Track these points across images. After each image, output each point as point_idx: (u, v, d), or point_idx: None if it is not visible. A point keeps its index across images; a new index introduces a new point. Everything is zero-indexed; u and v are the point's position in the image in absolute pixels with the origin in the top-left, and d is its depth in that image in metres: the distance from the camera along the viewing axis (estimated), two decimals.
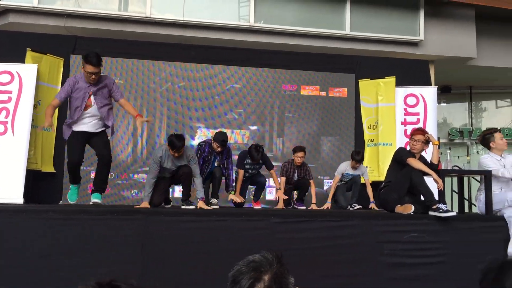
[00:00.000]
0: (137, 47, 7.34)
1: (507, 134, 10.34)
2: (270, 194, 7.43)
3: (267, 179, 6.72)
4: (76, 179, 5.02)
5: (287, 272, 1.42)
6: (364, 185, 6.55)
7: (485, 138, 5.37)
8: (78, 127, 4.85)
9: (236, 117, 7.64)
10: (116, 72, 7.26)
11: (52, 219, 4.10)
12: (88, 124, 4.86)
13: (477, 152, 11.07)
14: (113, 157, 6.83)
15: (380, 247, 4.51)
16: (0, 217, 4.11)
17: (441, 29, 8.45)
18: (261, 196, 6.64)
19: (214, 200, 5.92)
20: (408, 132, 6.99)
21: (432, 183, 4.94)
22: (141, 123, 4.93)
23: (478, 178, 6.02)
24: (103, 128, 4.98)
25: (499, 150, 5.29)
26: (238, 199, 5.94)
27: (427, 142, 5.23)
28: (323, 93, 7.91)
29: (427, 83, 7.94)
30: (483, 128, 10.13)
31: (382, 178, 5.89)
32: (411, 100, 7.28)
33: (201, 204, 5.14)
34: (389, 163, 5.46)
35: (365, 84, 7.60)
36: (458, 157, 10.83)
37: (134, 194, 7.13)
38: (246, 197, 6.54)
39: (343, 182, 6.65)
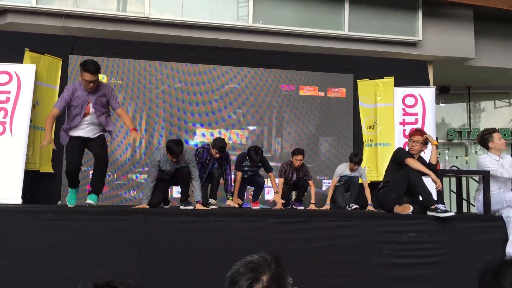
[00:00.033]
0: (135, 47, 7.35)
1: (505, 134, 10.35)
2: (269, 194, 7.43)
3: (265, 179, 6.72)
4: (74, 183, 5.03)
5: (285, 272, 1.42)
6: (362, 185, 6.55)
7: (484, 138, 5.37)
8: (75, 133, 4.86)
9: (234, 117, 7.64)
10: (115, 72, 7.26)
11: (50, 219, 4.09)
12: (85, 129, 4.86)
13: (476, 152, 11.08)
14: (113, 159, 6.88)
15: (378, 247, 4.51)
16: None
17: (439, 30, 8.46)
18: (260, 196, 6.64)
19: (212, 201, 5.94)
20: (407, 133, 6.99)
21: (430, 183, 4.95)
22: (134, 137, 4.90)
23: (476, 178, 6.02)
24: (101, 133, 4.99)
25: (497, 150, 5.30)
26: (235, 204, 5.94)
27: (425, 143, 5.23)
28: (322, 93, 7.92)
29: (426, 83, 7.96)
30: (482, 129, 10.12)
31: (381, 178, 5.89)
32: (409, 101, 7.29)
33: (198, 207, 5.16)
34: (387, 163, 5.46)
35: (363, 85, 7.61)
36: (457, 157, 10.83)
37: (133, 195, 7.13)
38: (245, 197, 6.55)
39: (341, 183, 6.65)
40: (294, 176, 6.51)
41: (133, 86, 7.34)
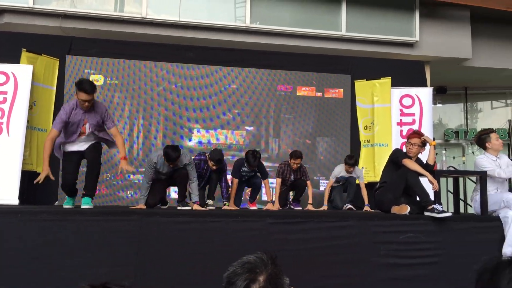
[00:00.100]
0: (133, 48, 7.34)
1: (502, 135, 10.38)
2: (266, 195, 7.43)
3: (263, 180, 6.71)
4: (71, 193, 5.05)
5: (282, 272, 1.42)
6: (359, 186, 6.56)
7: (481, 139, 5.39)
8: (71, 147, 4.90)
9: (232, 118, 7.63)
10: (111, 72, 7.25)
11: (47, 220, 4.08)
12: (79, 144, 4.90)
13: (473, 152, 11.10)
14: (111, 158, 6.86)
15: (376, 247, 4.51)
16: None
17: (436, 30, 8.47)
18: (257, 197, 6.63)
19: (210, 201, 5.94)
20: (404, 133, 7.03)
21: (427, 184, 4.96)
22: (122, 168, 4.84)
23: (473, 178, 6.03)
24: (97, 141, 5.01)
25: (494, 150, 5.31)
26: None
27: (423, 145, 5.24)
28: (319, 94, 7.92)
29: (423, 84, 7.98)
30: (479, 129, 10.14)
31: (378, 178, 5.89)
32: (406, 101, 7.31)
33: (196, 207, 5.15)
34: (384, 163, 5.47)
35: (361, 85, 7.62)
36: (454, 157, 10.85)
37: (130, 195, 7.12)
38: (242, 197, 6.54)
39: (340, 183, 6.66)
40: (292, 176, 6.51)
41: (129, 86, 7.32)
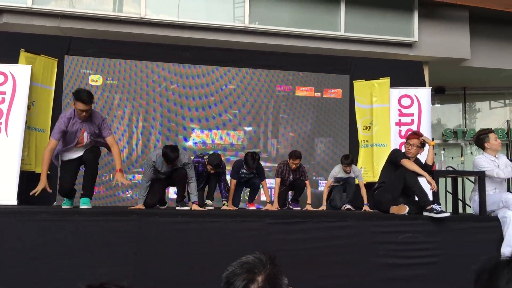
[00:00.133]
0: (131, 48, 7.33)
1: (500, 135, 10.38)
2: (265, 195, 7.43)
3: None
4: (69, 196, 5.07)
5: (280, 272, 1.42)
6: (358, 186, 6.56)
7: (480, 139, 5.39)
8: (68, 156, 4.90)
9: (231, 118, 7.63)
10: (110, 72, 7.24)
11: (46, 220, 4.08)
12: (77, 152, 4.91)
13: (471, 152, 11.11)
14: (111, 160, 6.85)
15: (375, 247, 4.52)
16: None
17: (435, 31, 8.48)
18: (256, 197, 6.63)
19: (209, 202, 5.94)
20: (403, 133, 7.04)
21: (426, 184, 4.96)
22: (117, 180, 4.84)
23: (472, 178, 6.04)
24: (95, 145, 5.03)
25: (493, 150, 5.31)
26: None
27: (422, 145, 5.24)
28: (318, 94, 7.92)
29: (421, 84, 7.98)
30: (477, 129, 10.17)
31: (376, 179, 5.90)
32: (405, 101, 7.31)
33: (194, 207, 5.16)
34: (383, 164, 5.47)
35: (359, 85, 7.63)
36: (452, 157, 10.86)
37: (129, 195, 7.11)
38: (241, 198, 6.54)
39: (340, 183, 6.66)
40: (291, 176, 6.51)
41: (129, 87, 7.32)
